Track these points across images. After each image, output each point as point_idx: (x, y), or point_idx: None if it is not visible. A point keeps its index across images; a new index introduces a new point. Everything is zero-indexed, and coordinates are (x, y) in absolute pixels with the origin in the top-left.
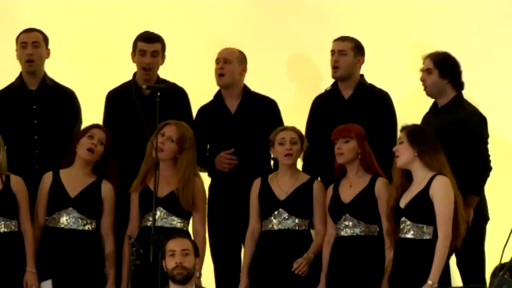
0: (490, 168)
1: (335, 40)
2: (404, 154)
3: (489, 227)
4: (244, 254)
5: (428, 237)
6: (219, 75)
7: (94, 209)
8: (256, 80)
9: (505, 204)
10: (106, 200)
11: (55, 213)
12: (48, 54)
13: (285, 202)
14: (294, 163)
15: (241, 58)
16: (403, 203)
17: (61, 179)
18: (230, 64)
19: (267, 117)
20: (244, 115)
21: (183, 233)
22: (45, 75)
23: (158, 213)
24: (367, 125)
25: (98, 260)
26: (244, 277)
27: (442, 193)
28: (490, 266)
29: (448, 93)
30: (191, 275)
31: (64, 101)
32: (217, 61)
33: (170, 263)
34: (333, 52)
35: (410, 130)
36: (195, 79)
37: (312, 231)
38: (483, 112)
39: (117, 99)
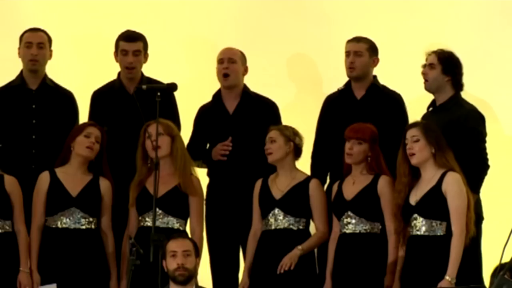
0: (488, 167)
1: (350, 41)
2: (421, 152)
3: (488, 226)
4: (246, 254)
5: (441, 233)
6: (224, 75)
7: (95, 206)
8: (256, 80)
9: (503, 204)
10: (106, 197)
11: (58, 214)
12: (50, 55)
13: (280, 201)
14: (284, 161)
15: (243, 58)
16: (413, 200)
17: (59, 179)
18: (235, 64)
19: (266, 119)
20: (242, 115)
21: (184, 233)
22: (45, 75)
23: None
24: (378, 126)
25: (102, 258)
26: (245, 277)
27: (456, 189)
28: (490, 266)
29: (447, 91)
30: (192, 275)
31: (63, 102)
32: (221, 61)
33: (171, 264)
34: (348, 53)
35: (425, 127)
36: (194, 79)
37: None
38: (481, 111)
39: (102, 98)
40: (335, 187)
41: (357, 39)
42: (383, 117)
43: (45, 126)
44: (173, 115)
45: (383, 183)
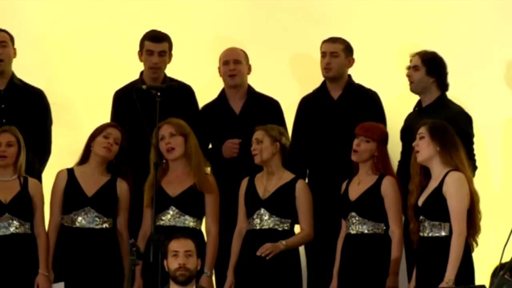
0: (475, 168)
1: (325, 41)
2: (425, 149)
3: (489, 226)
4: (231, 253)
5: (444, 234)
6: (231, 75)
7: (111, 207)
8: (260, 80)
9: (503, 204)
10: (122, 198)
11: (72, 213)
12: (14, 53)
13: (266, 201)
14: (271, 161)
15: (247, 58)
16: (420, 201)
17: (76, 178)
18: (241, 64)
19: (270, 118)
20: (248, 115)
21: (186, 233)
22: (13, 74)
23: (171, 212)
24: (356, 125)
25: (116, 258)
26: (230, 276)
27: (455, 189)
28: (490, 266)
29: (433, 92)
30: (193, 276)
31: (33, 100)
32: (226, 62)
33: (172, 264)
34: (324, 53)
35: (432, 125)
36: (199, 77)
37: None
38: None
39: (123, 98)
40: (343, 186)
41: (333, 40)
42: (361, 116)
43: (15, 125)
44: (194, 115)
45: (386, 184)
